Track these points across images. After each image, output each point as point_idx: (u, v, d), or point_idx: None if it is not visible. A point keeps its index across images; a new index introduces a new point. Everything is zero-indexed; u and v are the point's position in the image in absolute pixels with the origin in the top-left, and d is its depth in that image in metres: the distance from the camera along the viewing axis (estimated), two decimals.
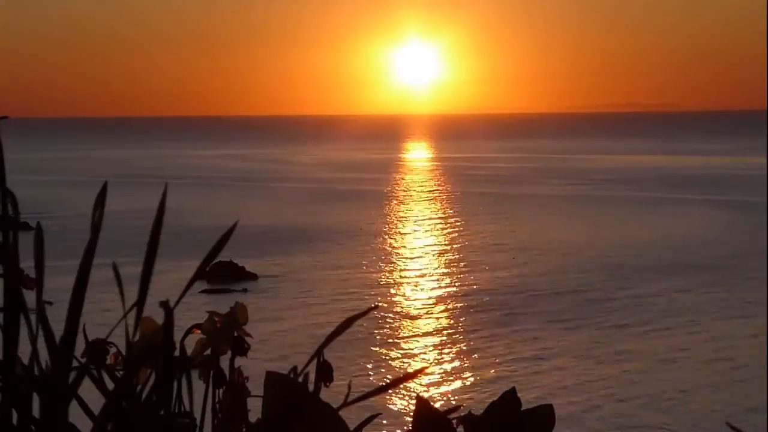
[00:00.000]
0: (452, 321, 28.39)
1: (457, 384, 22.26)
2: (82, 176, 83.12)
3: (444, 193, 70.11)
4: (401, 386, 15.18)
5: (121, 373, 1.94)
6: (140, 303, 1.76)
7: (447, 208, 59.35)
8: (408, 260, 38.87)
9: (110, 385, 1.85)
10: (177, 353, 1.89)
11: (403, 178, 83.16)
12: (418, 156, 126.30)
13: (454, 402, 20.32)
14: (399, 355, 24.52)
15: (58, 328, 1.75)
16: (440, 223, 51.40)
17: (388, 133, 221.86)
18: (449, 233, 47.29)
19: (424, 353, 24.88)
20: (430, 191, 71.49)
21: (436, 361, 24.02)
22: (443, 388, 21.85)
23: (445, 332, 27.11)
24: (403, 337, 26.36)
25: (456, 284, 33.81)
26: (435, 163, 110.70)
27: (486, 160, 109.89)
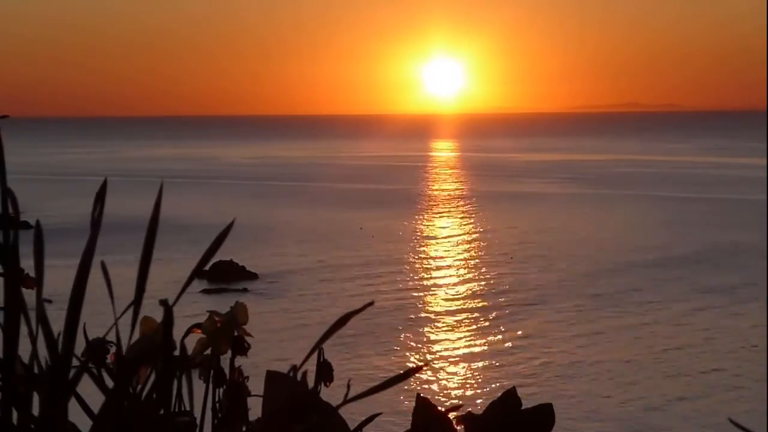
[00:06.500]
0: (451, 319, 28.38)
1: (457, 381, 22.26)
2: (81, 174, 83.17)
3: (445, 192, 70.10)
4: (401, 385, 15.20)
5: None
6: (137, 302, 1.76)
7: (447, 207, 59.35)
8: (407, 259, 38.85)
9: (110, 383, 1.85)
10: (177, 352, 1.89)
11: (401, 178, 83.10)
12: (419, 155, 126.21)
13: (454, 399, 20.34)
14: (398, 354, 24.51)
15: (58, 327, 1.75)
16: (440, 223, 51.40)
17: (401, 132, 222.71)
18: (449, 232, 47.29)
19: (423, 351, 24.87)
20: (432, 191, 71.49)
21: (434, 358, 24.02)
22: (443, 384, 21.85)
23: (443, 330, 27.10)
24: (401, 336, 26.35)
25: (455, 282, 33.81)
26: (436, 162, 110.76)
27: (488, 158, 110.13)
